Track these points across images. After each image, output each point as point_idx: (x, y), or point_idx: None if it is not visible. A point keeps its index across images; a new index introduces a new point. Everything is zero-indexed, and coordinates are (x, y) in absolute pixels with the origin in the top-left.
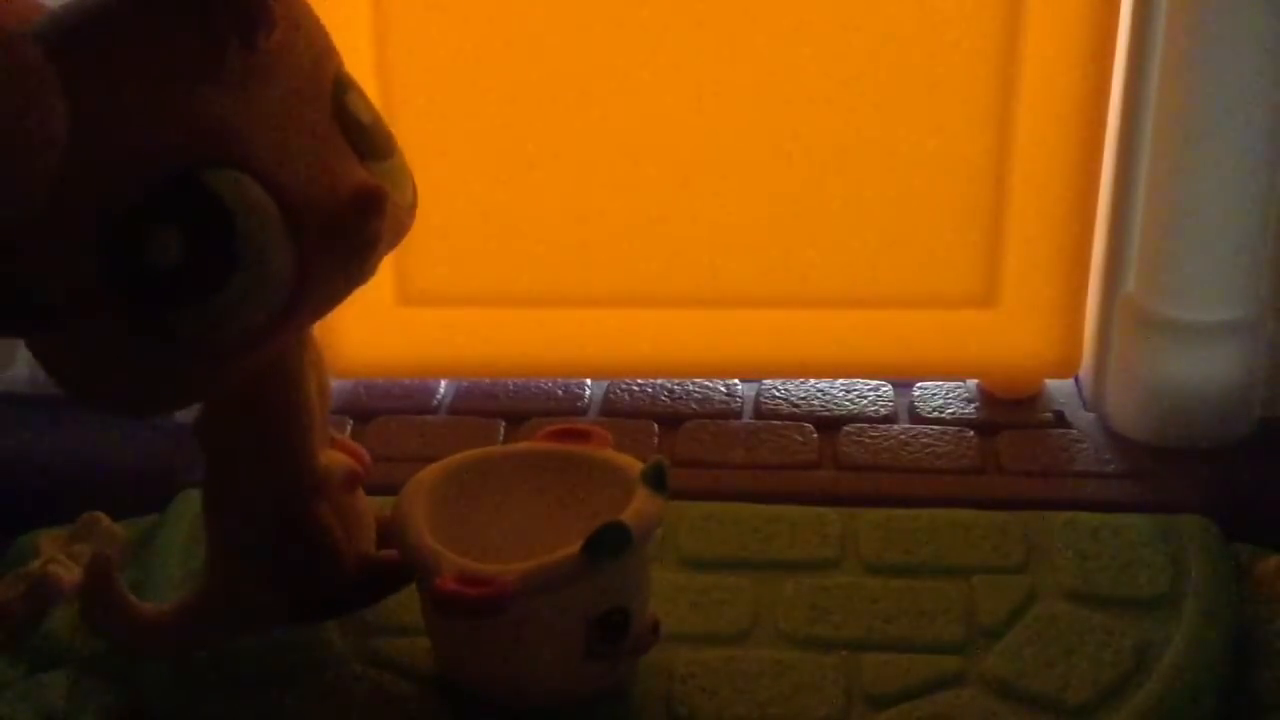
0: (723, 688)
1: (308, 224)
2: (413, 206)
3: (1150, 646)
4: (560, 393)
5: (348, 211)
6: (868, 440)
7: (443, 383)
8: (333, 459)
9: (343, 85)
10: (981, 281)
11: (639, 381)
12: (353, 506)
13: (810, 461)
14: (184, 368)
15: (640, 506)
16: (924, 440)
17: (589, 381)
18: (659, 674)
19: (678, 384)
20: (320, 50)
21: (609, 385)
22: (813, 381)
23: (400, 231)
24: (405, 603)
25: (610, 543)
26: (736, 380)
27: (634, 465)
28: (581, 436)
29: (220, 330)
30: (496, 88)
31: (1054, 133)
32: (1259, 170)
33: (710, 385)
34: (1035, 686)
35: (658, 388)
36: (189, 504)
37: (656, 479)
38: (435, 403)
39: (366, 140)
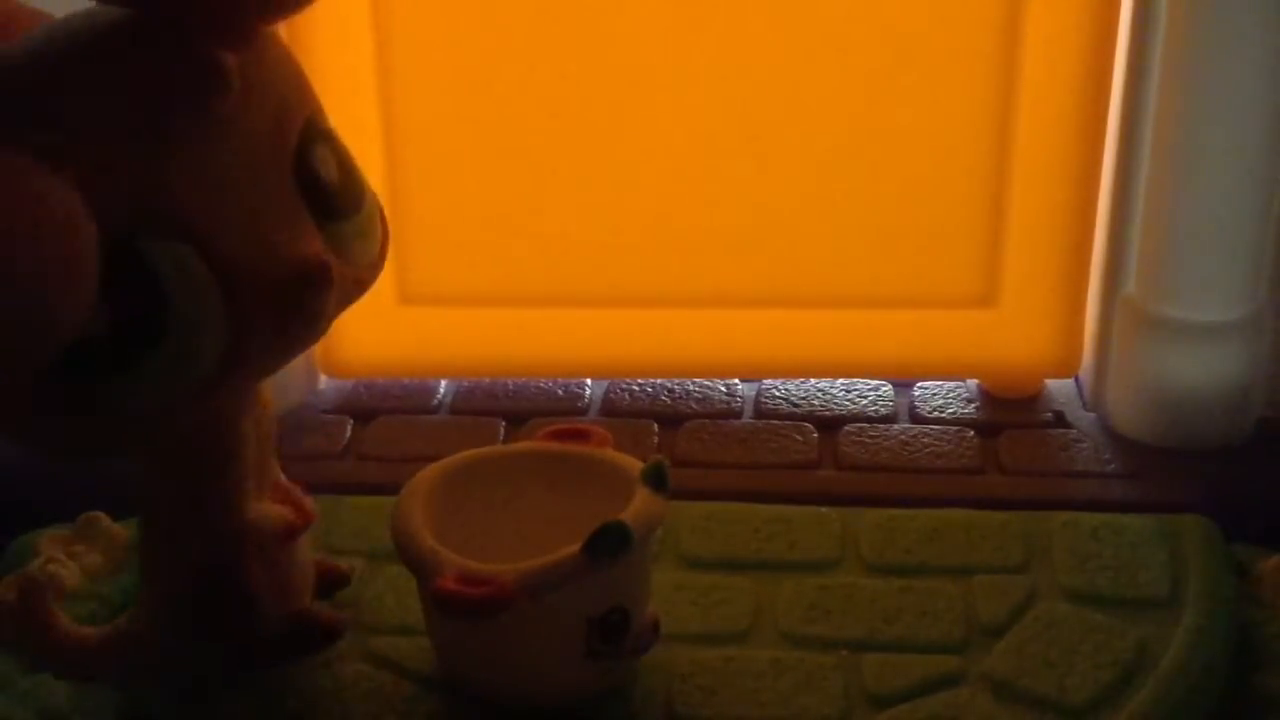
0: (723, 688)
1: (246, 295)
2: (378, 261)
3: (1150, 646)
4: (560, 393)
5: (289, 285)
6: (868, 440)
7: (443, 383)
8: (268, 511)
9: (311, 137)
10: (981, 281)
11: (639, 381)
12: (288, 558)
13: (810, 461)
14: (101, 430)
15: (640, 506)
16: (924, 440)
17: (589, 381)
18: (659, 674)
19: (678, 384)
20: (286, 103)
21: (609, 385)
22: (813, 381)
23: (359, 290)
24: (405, 603)
25: (610, 542)
26: (736, 380)
27: (634, 465)
28: (581, 436)
29: (138, 400)
30: (496, 88)
31: (1054, 133)
32: (1259, 170)
33: (710, 385)
34: (1035, 686)
35: (658, 388)
36: None
37: (657, 479)
38: (435, 403)
39: (329, 199)
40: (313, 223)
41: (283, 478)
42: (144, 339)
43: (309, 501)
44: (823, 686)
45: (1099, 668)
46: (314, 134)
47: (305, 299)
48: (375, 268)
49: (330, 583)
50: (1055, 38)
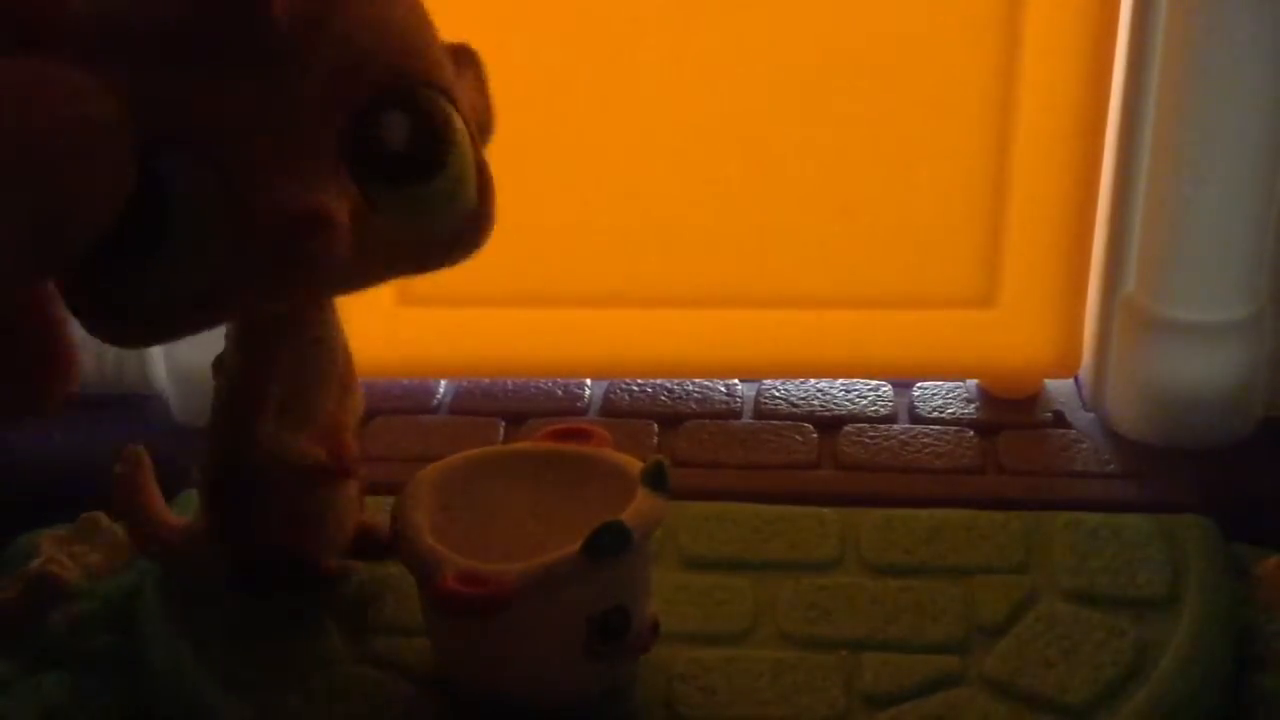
0: (723, 688)
1: (247, 227)
2: (470, 224)
3: (1150, 646)
4: (560, 393)
5: (285, 229)
6: (868, 440)
7: (443, 383)
8: (290, 442)
9: (389, 102)
10: (981, 281)
11: (639, 381)
12: (314, 499)
13: (810, 461)
14: (122, 325)
15: (640, 506)
16: (924, 440)
17: (589, 381)
18: (659, 674)
19: (678, 384)
20: (360, 60)
21: (609, 385)
22: (813, 381)
23: (461, 246)
24: (405, 603)
25: (609, 543)
26: (736, 380)
27: (634, 465)
28: (582, 436)
29: (140, 302)
30: (496, 89)
31: (1054, 132)
32: (1259, 170)
33: (710, 385)
34: (1035, 686)
35: (658, 388)
36: (189, 504)
37: (657, 479)
38: (435, 403)
39: (391, 164)
40: (343, 179)
41: (347, 432)
42: (145, 243)
43: (351, 456)
44: (823, 686)
45: (1099, 668)
46: (393, 99)
47: (295, 244)
48: (470, 231)
49: (367, 545)
50: (1055, 38)
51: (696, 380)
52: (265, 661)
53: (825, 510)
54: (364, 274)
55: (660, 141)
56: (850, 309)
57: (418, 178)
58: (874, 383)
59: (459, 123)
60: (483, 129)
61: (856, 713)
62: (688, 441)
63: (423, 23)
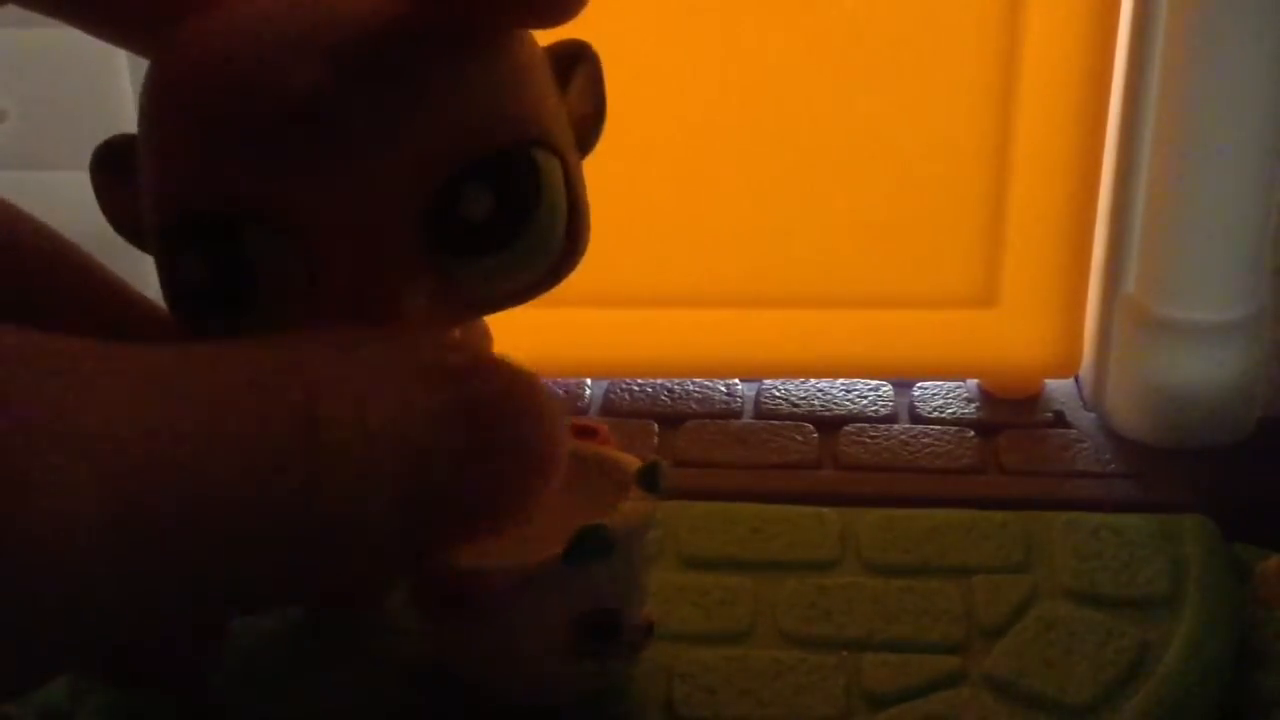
0: (723, 688)
1: (321, 310)
2: (564, 253)
3: (1150, 646)
4: (560, 393)
5: (350, 314)
6: (868, 440)
7: None
8: None
9: (466, 173)
10: (981, 281)
11: (639, 381)
12: None
13: (810, 461)
14: None
15: (628, 509)
16: (924, 440)
17: (589, 381)
18: (659, 674)
19: (678, 384)
20: (443, 137)
21: (609, 385)
22: (813, 381)
23: (543, 286)
24: (405, 603)
25: (590, 548)
26: (736, 380)
27: (632, 464)
28: (588, 433)
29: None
30: None
31: (1054, 132)
32: (1259, 170)
33: (710, 385)
34: (1035, 686)
35: (658, 388)
36: None
37: (650, 480)
38: None
39: (465, 236)
40: (420, 257)
41: None
42: (227, 317)
43: None
44: (823, 686)
45: (1099, 668)
46: (476, 170)
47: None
48: (551, 275)
49: None
50: (1055, 37)
51: (696, 380)
52: (266, 661)
53: (825, 510)
54: (439, 325)
55: (658, 141)
56: (850, 309)
57: (500, 247)
58: (874, 383)
59: (551, 173)
60: (584, 140)
61: (856, 713)
62: (688, 441)
63: (521, 69)
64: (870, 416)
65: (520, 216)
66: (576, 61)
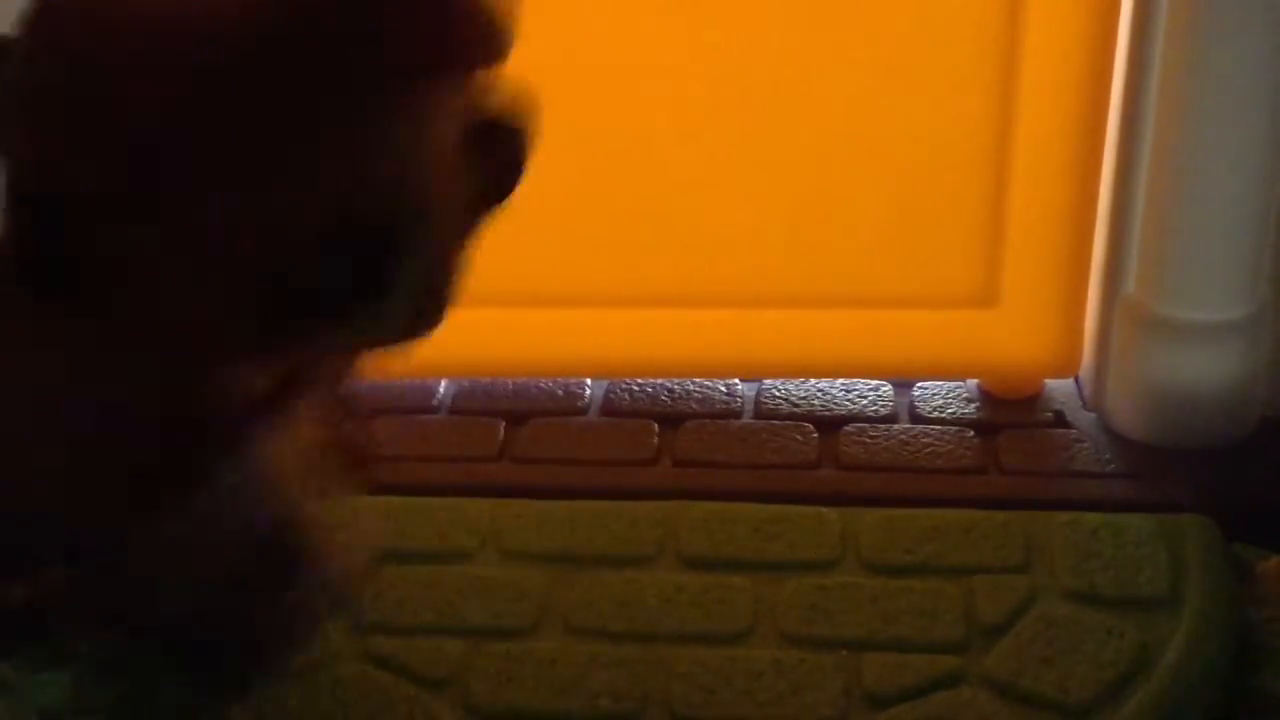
0: (723, 688)
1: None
2: (432, 300)
3: (1150, 646)
4: (560, 393)
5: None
6: (868, 440)
7: (443, 382)
8: None
9: (321, 249)
10: (981, 281)
11: (639, 381)
12: None
13: (810, 461)
14: None
15: None
16: (924, 440)
17: (589, 381)
18: (659, 674)
19: (678, 384)
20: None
21: (609, 385)
22: (813, 381)
23: (415, 331)
24: (405, 603)
25: None
26: (736, 380)
27: None
28: None
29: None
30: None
31: (1054, 133)
32: (1259, 170)
33: (710, 385)
34: (1035, 686)
35: (658, 388)
36: None
37: None
38: (435, 403)
39: (335, 305)
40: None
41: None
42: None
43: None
44: (823, 686)
45: (1099, 668)
46: (333, 246)
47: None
48: (423, 319)
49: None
50: (1055, 38)
51: (696, 380)
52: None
53: (825, 510)
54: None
55: (660, 143)
56: (850, 309)
57: (361, 312)
58: (874, 383)
59: (411, 232)
60: (488, 200)
61: (856, 713)
62: (688, 441)
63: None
64: (870, 416)
65: (380, 278)
66: (503, 130)
